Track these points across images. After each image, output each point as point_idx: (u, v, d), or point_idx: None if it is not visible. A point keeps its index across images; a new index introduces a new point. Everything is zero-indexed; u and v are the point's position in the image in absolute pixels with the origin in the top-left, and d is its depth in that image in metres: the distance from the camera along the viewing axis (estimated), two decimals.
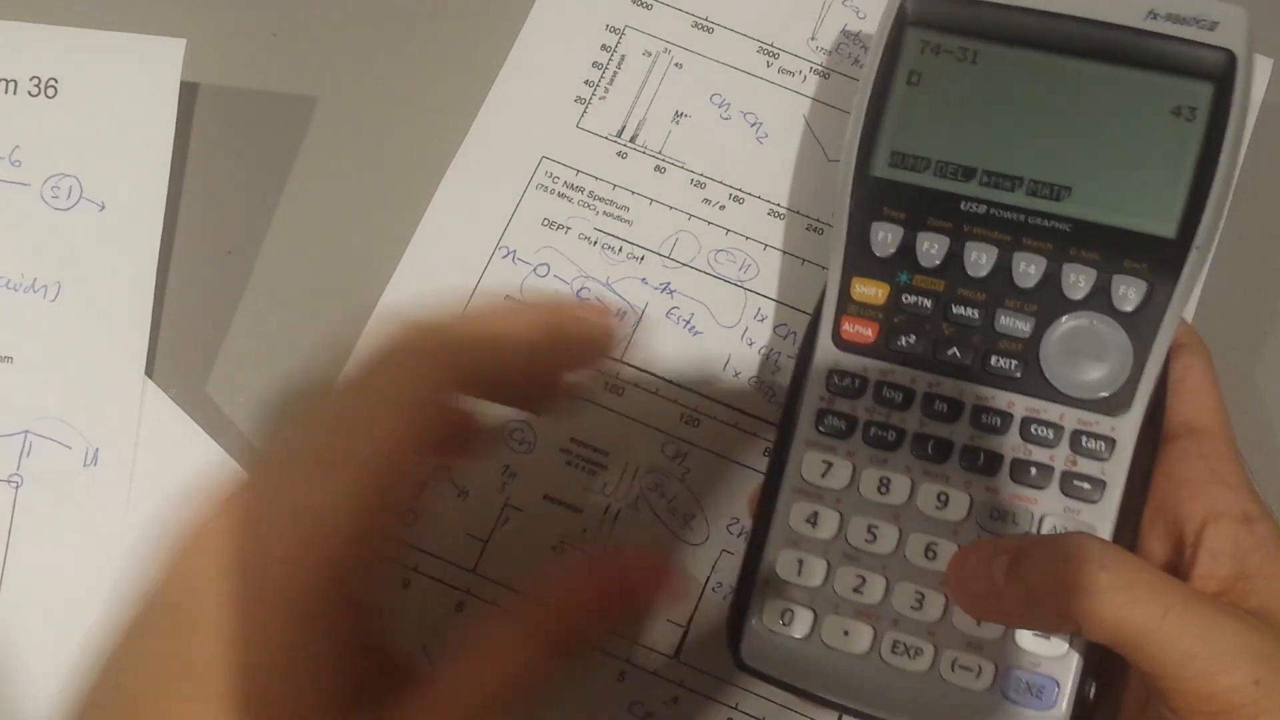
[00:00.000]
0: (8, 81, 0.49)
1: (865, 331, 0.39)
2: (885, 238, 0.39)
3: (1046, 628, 0.36)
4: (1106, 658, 0.35)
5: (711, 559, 0.45)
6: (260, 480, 0.31)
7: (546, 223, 0.48)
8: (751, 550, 0.39)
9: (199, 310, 0.48)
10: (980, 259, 0.38)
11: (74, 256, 0.48)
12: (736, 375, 0.46)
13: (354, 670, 0.31)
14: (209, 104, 0.50)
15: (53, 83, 0.49)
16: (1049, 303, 0.38)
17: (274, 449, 0.32)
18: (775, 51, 0.49)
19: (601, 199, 0.48)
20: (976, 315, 0.38)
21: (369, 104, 0.50)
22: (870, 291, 0.39)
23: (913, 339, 0.39)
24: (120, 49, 0.49)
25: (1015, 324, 0.38)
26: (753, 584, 0.39)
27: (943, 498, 0.38)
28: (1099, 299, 0.38)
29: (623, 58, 0.49)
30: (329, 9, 0.51)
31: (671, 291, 0.47)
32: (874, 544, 0.38)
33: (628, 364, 0.47)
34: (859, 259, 0.39)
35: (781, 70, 0.49)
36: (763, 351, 0.47)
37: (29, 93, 0.49)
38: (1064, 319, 0.38)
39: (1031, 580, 0.34)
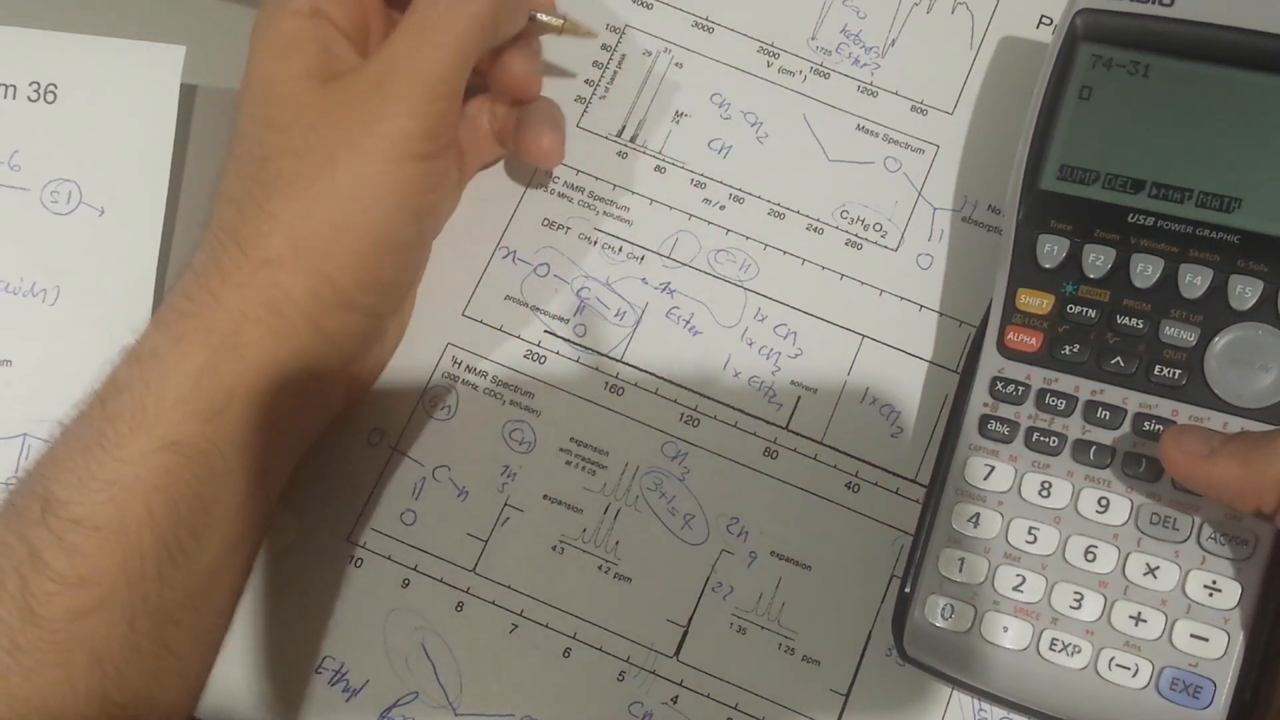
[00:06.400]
0: (7, 86, 0.49)
1: (1029, 340, 0.40)
2: (1052, 249, 0.40)
3: (1250, 496, 0.35)
4: (1265, 661, 0.37)
5: (711, 559, 0.45)
6: None
7: (546, 223, 0.48)
8: (915, 547, 0.41)
9: None
10: (1147, 270, 0.39)
11: (73, 261, 0.48)
12: (736, 375, 0.46)
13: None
14: (208, 106, 0.50)
15: (52, 88, 0.49)
16: (1215, 313, 0.39)
17: None
18: (775, 51, 0.49)
19: (601, 199, 0.48)
20: (1141, 325, 0.39)
21: None
22: (1035, 302, 0.41)
23: (1076, 348, 0.40)
24: (120, 55, 0.49)
25: (1180, 334, 0.39)
26: (916, 580, 0.40)
27: (1103, 502, 0.39)
28: (1265, 310, 0.38)
29: (623, 57, 0.49)
30: None
31: (671, 291, 0.47)
32: (1034, 545, 0.39)
33: (628, 364, 0.46)
34: (1025, 270, 0.41)
35: (781, 70, 0.49)
36: (763, 351, 0.46)
37: (28, 98, 0.49)
38: (1230, 329, 0.38)
39: (1251, 442, 0.35)
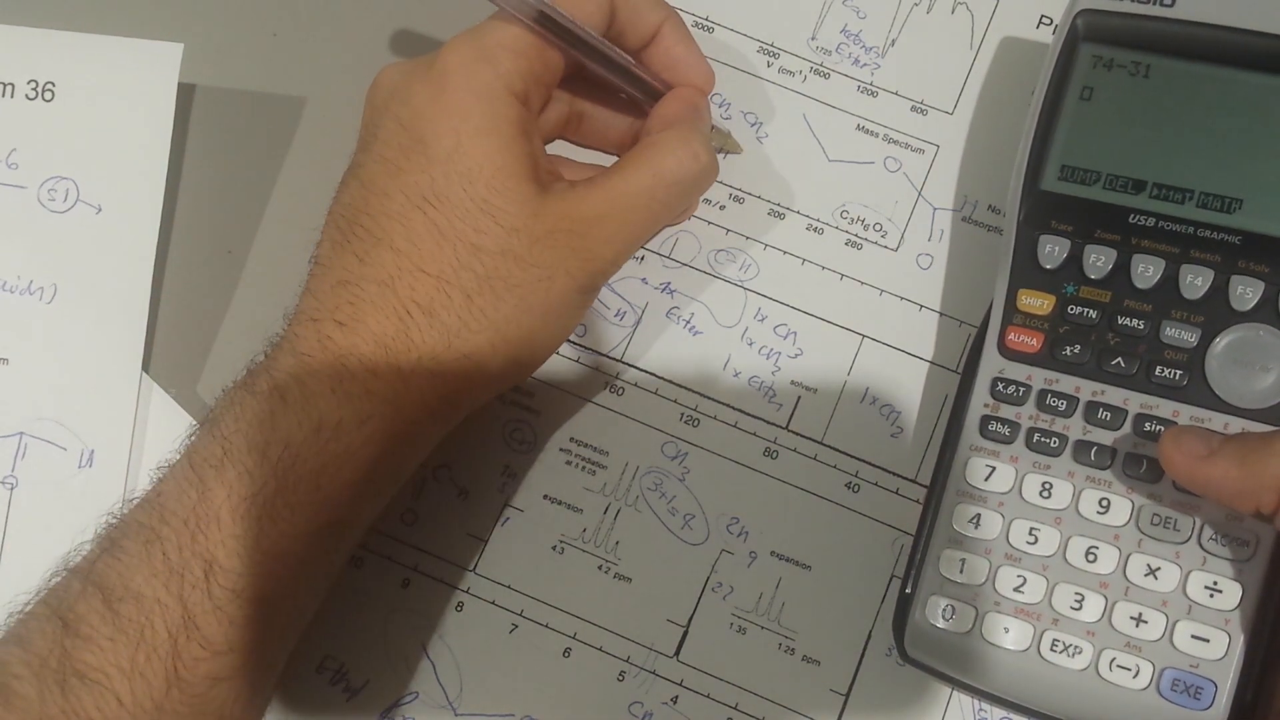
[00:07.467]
0: (5, 85, 0.49)
1: (1030, 341, 0.41)
2: (1053, 250, 0.40)
3: (1249, 497, 0.35)
4: (1267, 662, 0.37)
5: (711, 559, 0.45)
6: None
7: None
8: (916, 548, 0.41)
9: (195, 310, 0.48)
10: (1147, 271, 0.39)
11: (70, 259, 0.48)
12: (736, 375, 0.46)
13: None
14: (205, 104, 0.50)
15: (50, 86, 0.49)
16: (1216, 314, 0.39)
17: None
18: (775, 51, 0.49)
19: None
20: (1142, 326, 0.39)
21: (363, 104, 0.50)
22: (1036, 303, 0.41)
23: (1077, 348, 0.40)
24: (117, 53, 0.49)
25: (1181, 334, 0.39)
26: (917, 580, 0.41)
27: (1104, 503, 0.39)
28: (1266, 310, 0.38)
29: None
30: (324, 10, 0.51)
31: (671, 291, 0.47)
32: (1035, 546, 0.39)
33: (628, 364, 0.46)
34: (1026, 271, 0.41)
35: (781, 70, 0.49)
36: (763, 351, 0.46)
37: (26, 96, 0.49)
38: (1231, 330, 0.38)
39: (1250, 443, 0.35)
